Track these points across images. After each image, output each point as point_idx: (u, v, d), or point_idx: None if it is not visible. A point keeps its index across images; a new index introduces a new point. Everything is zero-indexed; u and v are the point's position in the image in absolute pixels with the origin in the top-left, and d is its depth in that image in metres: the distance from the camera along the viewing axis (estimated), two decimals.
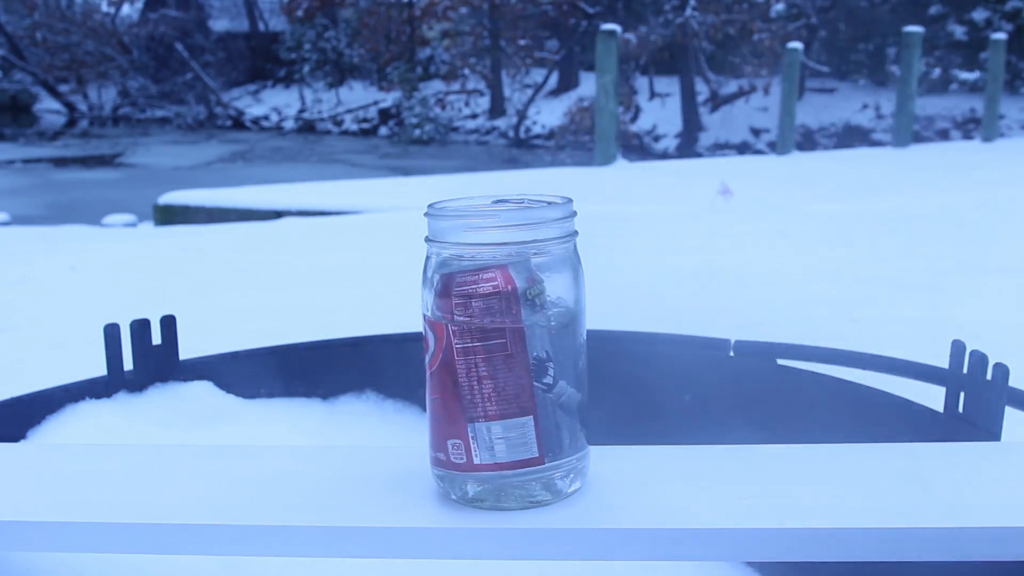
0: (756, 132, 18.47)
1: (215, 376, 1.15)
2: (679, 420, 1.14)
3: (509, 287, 0.60)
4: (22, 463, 0.75)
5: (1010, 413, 0.89)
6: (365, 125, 23.09)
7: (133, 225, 8.13)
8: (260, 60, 26.61)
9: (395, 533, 0.62)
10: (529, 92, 21.49)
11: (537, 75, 22.02)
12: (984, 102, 12.58)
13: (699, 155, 16.89)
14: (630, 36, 17.42)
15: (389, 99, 23.06)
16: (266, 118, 24.61)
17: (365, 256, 4.43)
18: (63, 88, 25.15)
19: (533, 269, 0.61)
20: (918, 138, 13.23)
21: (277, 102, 25.46)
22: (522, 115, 20.94)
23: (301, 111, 24.33)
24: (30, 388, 1.08)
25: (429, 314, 0.63)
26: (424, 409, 0.67)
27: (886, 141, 14.64)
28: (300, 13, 24.00)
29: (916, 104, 12.28)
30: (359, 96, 24.37)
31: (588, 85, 19.40)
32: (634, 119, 19.48)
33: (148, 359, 1.11)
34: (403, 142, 20.54)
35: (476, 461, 0.62)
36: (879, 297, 3.25)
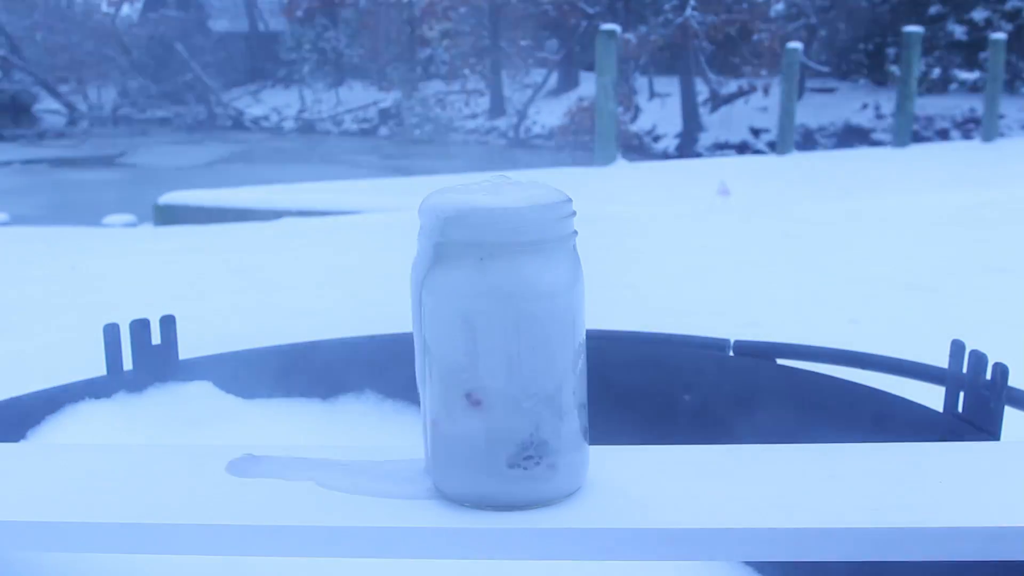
0: (756, 132, 18.46)
1: (215, 376, 1.15)
2: (679, 420, 1.14)
3: None
4: (22, 463, 0.75)
5: (1010, 413, 0.89)
6: (365, 125, 23.07)
7: (133, 225, 8.13)
8: (260, 60, 26.59)
9: (395, 533, 0.62)
10: (529, 92, 21.48)
11: (537, 75, 22.01)
12: (984, 102, 12.57)
13: (699, 155, 16.88)
14: (630, 36, 17.41)
15: (389, 99, 23.05)
16: (266, 118, 24.59)
17: (365, 256, 4.43)
18: (63, 88, 25.13)
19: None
20: (918, 138, 13.23)
21: (277, 102, 25.44)
22: (522, 115, 20.93)
23: (301, 111, 24.31)
24: (30, 388, 1.08)
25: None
26: None
27: (886, 141, 14.64)
28: (300, 13, 23.99)
29: (916, 104, 12.28)
30: (359, 96, 24.35)
31: (588, 85, 19.39)
32: (634, 119, 19.46)
33: (148, 359, 1.11)
34: (403, 142, 20.53)
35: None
36: (879, 297, 3.25)
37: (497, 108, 22.01)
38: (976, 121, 15.46)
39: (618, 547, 0.62)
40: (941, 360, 0.97)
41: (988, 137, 12.22)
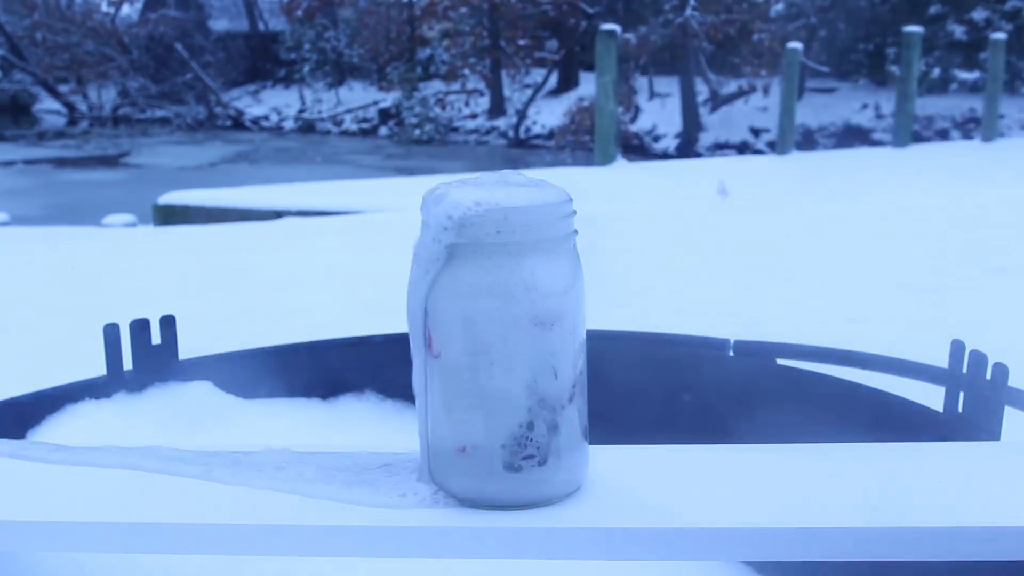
0: (756, 132, 18.46)
1: (215, 376, 1.15)
2: (679, 420, 1.14)
3: None
4: (22, 463, 0.75)
5: (1010, 413, 0.89)
6: (365, 125, 23.08)
7: (133, 225, 8.13)
8: (260, 60, 26.61)
9: (395, 533, 0.62)
10: (529, 92, 21.49)
11: (537, 75, 22.01)
12: (984, 102, 12.58)
13: (699, 155, 16.88)
14: (630, 36, 17.41)
15: (389, 99, 23.05)
16: (266, 118, 24.60)
17: (365, 256, 4.43)
18: (63, 88, 25.13)
19: None
20: (918, 138, 13.23)
21: (277, 102, 25.45)
22: (522, 115, 20.94)
23: (301, 111, 24.32)
24: (30, 388, 1.08)
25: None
26: None
27: (886, 141, 14.64)
28: (300, 13, 24.00)
29: (916, 104, 12.28)
30: (359, 96, 24.36)
31: (588, 85, 19.40)
32: (634, 119, 19.47)
33: (148, 359, 1.11)
34: (403, 142, 20.54)
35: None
36: (878, 297, 3.25)
37: (497, 108, 22.02)
38: (976, 121, 15.47)
39: (618, 547, 0.62)
40: (941, 360, 0.97)
41: (988, 137, 12.21)
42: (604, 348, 1.13)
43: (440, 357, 0.63)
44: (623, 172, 9.55)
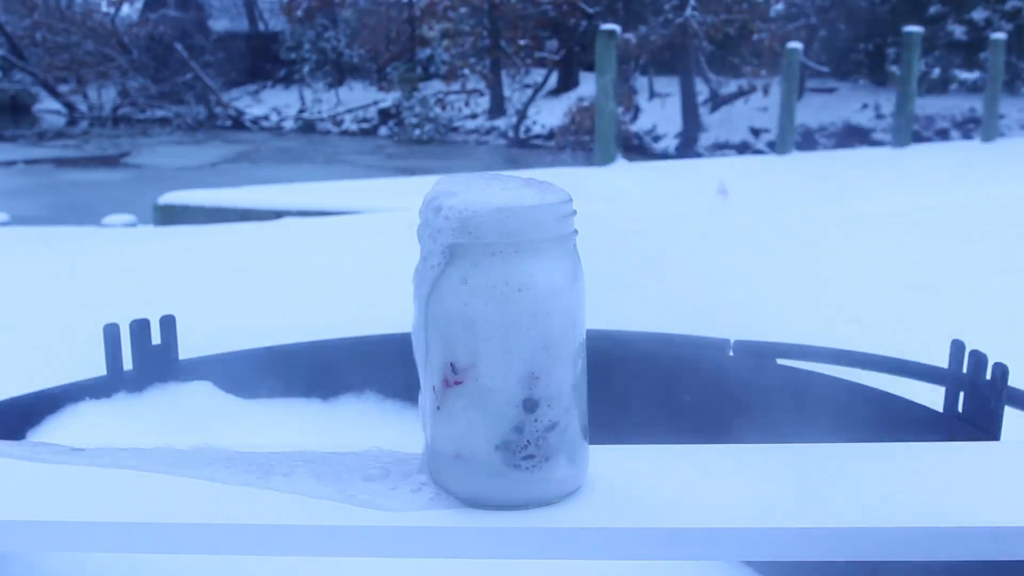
0: (756, 132, 18.46)
1: (215, 376, 1.15)
2: (679, 420, 1.14)
3: None
4: (22, 463, 0.75)
5: (1009, 413, 0.89)
6: (365, 125, 23.08)
7: (133, 225, 8.12)
8: (260, 60, 26.59)
9: (395, 533, 0.62)
10: (529, 92, 21.49)
11: (537, 75, 22.01)
12: (984, 102, 12.57)
13: (699, 155, 16.87)
14: (630, 36, 17.41)
15: (389, 99, 23.05)
16: (266, 118, 24.60)
17: (365, 256, 4.43)
18: (63, 88, 25.13)
19: None
20: (918, 138, 13.22)
21: (277, 102, 25.45)
22: (522, 115, 20.93)
23: (301, 111, 24.32)
24: (30, 388, 1.08)
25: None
26: None
27: (885, 141, 14.63)
28: (300, 13, 24.00)
29: (916, 104, 12.27)
30: (359, 96, 24.36)
31: (588, 85, 19.39)
32: (634, 119, 19.46)
33: (148, 359, 1.11)
34: (403, 142, 20.54)
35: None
36: (879, 297, 3.25)
37: (497, 108, 22.02)
38: (976, 121, 15.45)
39: (618, 547, 0.62)
40: (942, 360, 0.97)
41: (988, 137, 12.21)
42: (604, 348, 1.13)
43: (440, 357, 0.63)
44: (623, 172, 9.54)
